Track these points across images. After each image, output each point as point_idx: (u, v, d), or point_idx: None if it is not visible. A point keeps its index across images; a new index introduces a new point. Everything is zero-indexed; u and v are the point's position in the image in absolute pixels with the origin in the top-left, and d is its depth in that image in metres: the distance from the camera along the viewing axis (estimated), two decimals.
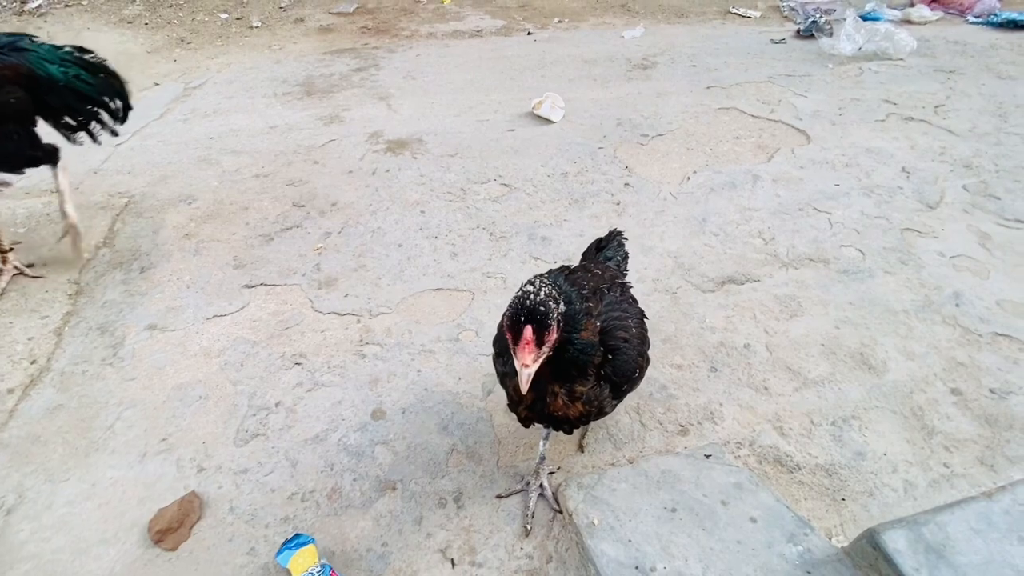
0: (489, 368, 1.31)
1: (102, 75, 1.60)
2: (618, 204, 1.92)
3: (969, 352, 1.41)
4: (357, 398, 1.30)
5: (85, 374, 1.34)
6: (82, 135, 1.62)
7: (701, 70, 2.90)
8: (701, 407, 1.28)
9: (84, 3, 3.47)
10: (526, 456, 1.18)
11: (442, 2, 3.76)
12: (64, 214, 1.58)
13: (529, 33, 3.38)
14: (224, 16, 3.47)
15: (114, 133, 1.68)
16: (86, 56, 1.58)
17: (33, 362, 1.37)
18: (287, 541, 0.99)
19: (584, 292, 0.91)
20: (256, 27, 3.38)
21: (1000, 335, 1.45)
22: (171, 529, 1.07)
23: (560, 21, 3.59)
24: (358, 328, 1.47)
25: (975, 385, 1.33)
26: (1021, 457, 1.19)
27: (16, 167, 1.56)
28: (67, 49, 1.55)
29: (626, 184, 2.02)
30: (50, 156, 1.56)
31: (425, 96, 2.64)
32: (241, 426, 1.23)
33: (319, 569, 0.94)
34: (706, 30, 3.46)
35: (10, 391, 1.30)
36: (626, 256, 1.21)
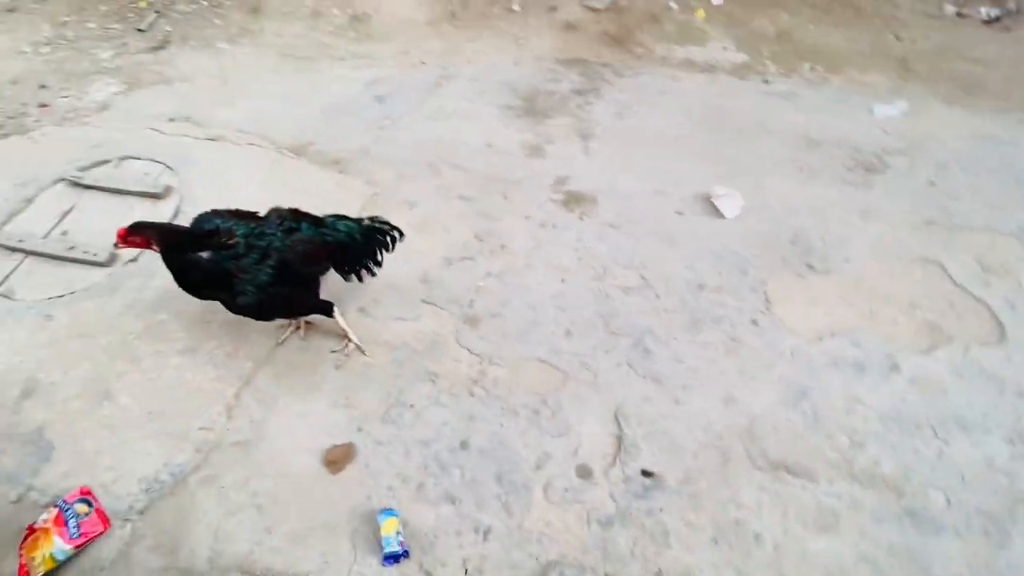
0: (543, 457, 1.78)
1: (387, 237, 2.00)
2: (733, 340, 2.08)
3: None
4: (457, 425, 1.89)
5: None
6: (353, 277, 2.05)
7: (939, 192, 2.55)
8: (682, 567, 1.59)
9: None
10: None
11: (696, 14, 3.64)
12: (347, 338, 2.04)
13: (766, 81, 3.20)
14: None
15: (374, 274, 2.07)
16: (376, 223, 1.98)
17: None
18: (384, 509, 1.66)
19: None
20: (515, 11, 3.75)
21: None
22: (335, 461, 1.82)
23: (812, 68, 3.27)
24: (477, 369, 2.03)
25: None
26: None
27: (305, 314, 2.05)
28: (365, 222, 1.97)
29: (754, 321, 2.13)
30: (328, 307, 2.00)
31: (623, 144, 2.84)
32: (387, 412, 1.93)
33: (396, 535, 1.60)
34: (995, 127, 2.86)
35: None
36: None
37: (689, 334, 2.10)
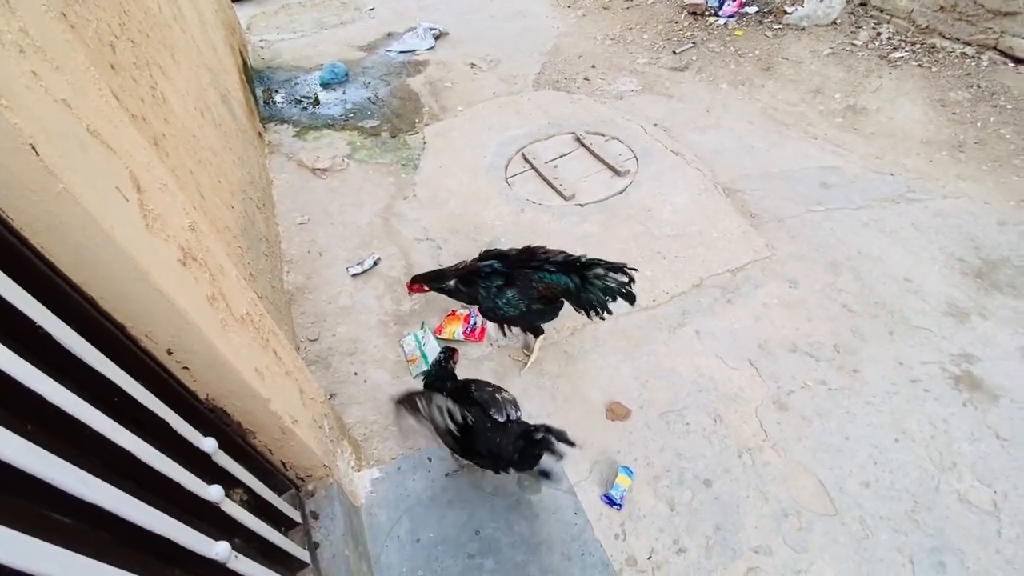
0: (764, 547, 1.85)
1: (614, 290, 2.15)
2: None
3: None
4: (708, 466, 2.12)
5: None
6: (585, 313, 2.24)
7: None
8: None
9: (924, 67, 4.00)
10: None
11: None
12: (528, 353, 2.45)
13: None
14: None
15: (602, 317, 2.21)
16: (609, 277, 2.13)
17: None
18: (625, 467, 2.06)
19: None
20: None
21: None
22: (615, 413, 2.32)
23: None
24: (757, 443, 2.16)
25: None
26: None
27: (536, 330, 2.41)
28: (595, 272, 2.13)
29: None
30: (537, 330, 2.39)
31: None
32: (670, 412, 2.29)
33: (623, 490, 2.00)
34: None
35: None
36: None
37: None
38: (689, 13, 5.11)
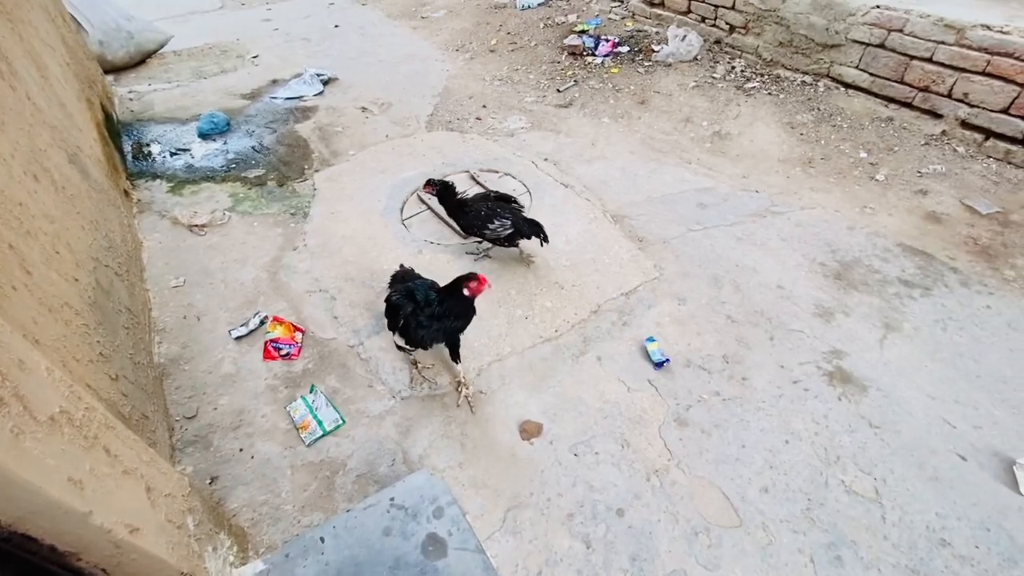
0: (679, 572, 1.85)
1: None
2: None
3: None
4: (622, 495, 2.11)
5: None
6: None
7: None
8: None
9: (773, 95, 4.52)
10: None
11: None
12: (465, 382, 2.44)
13: None
14: (863, 155, 3.89)
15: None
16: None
17: None
18: (649, 337, 2.00)
19: None
20: (877, 180, 3.68)
21: None
22: (528, 431, 2.26)
23: None
24: (664, 463, 2.20)
25: None
26: None
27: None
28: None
29: None
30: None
31: (929, 353, 2.58)
32: (581, 443, 2.27)
33: (659, 351, 1.93)
34: None
35: None
36: None
37: None
38: (569, 54, 5.43)
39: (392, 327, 2.37)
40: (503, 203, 3.01)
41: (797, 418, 2.33)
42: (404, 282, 2.48)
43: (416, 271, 2.63)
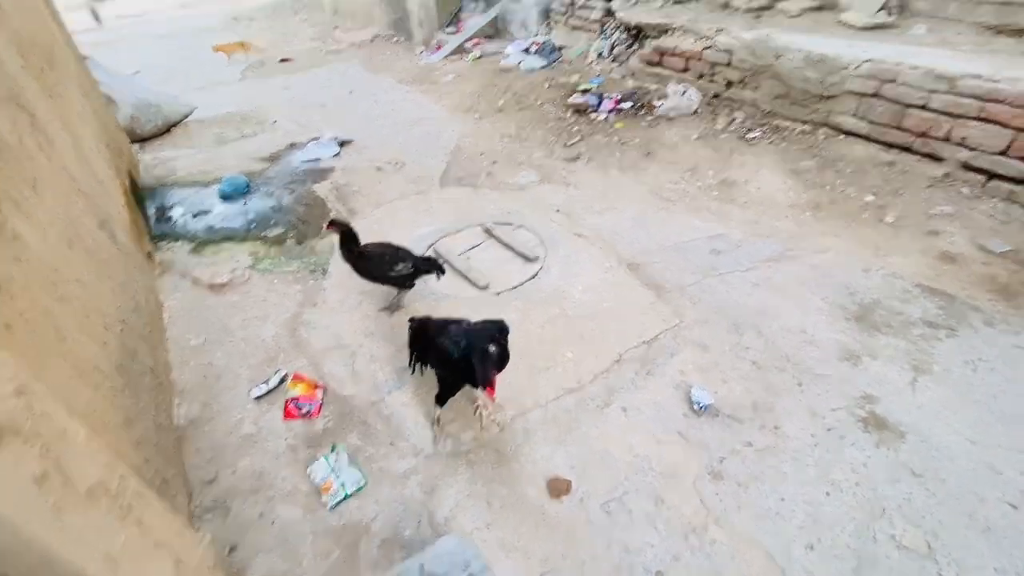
0: None
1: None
2: None
3: None
4: (660, 555, 2.01)
5: None
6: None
7: None
8: None
9: (774, 143, 4.65)
10: None
11: None
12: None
13: None
14: (869, 198, 3.95)
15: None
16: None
17: None
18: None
19: None
20: (886, 223, 3.72)
21: None
22: (557, 489, 2.18)
23: None
24: (702, 520, 2.10)
25: None
26: None
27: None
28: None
29: None
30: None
31: (962, 394, 2.51)
32: (615, 496, 2.19)
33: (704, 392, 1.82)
34: None
35: None
36: None
37: None
38: (574, 111, 5.66)
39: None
40: (397, 247, 3.07)
41: (836, 468, 2.25)
42: (426, 333, 2.48)
43: (432, 317, 2.62)
